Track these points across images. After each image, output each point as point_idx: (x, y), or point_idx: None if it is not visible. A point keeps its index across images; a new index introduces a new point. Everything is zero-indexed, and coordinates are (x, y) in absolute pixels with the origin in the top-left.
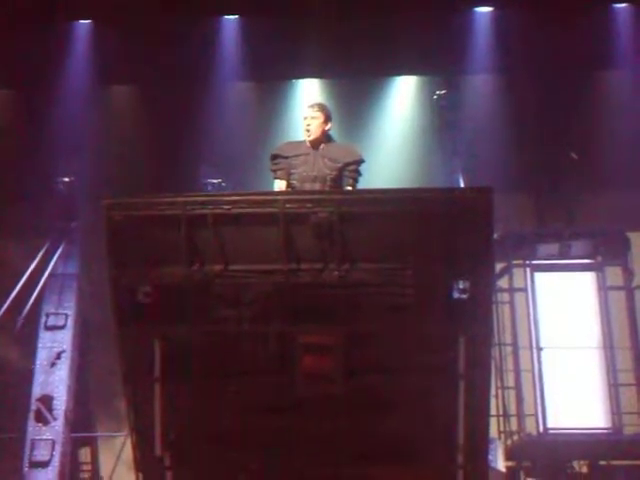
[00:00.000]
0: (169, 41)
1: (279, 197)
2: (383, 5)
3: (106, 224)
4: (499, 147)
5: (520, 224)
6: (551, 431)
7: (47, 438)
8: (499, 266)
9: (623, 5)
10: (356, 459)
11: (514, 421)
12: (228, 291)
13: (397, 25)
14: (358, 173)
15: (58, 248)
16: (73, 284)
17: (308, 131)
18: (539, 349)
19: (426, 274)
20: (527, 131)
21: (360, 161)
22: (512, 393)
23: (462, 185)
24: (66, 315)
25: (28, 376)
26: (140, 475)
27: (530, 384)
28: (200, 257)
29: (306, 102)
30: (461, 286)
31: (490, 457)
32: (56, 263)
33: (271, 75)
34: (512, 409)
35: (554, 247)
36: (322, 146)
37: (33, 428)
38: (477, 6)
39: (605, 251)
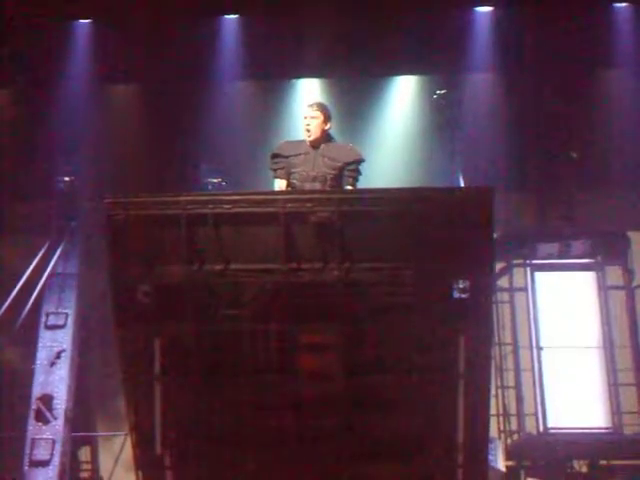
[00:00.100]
0: (169, 40)
1: (279, 196)
2: (383, 4)
3: (107, 223)
4: (499, 146)
5: (520, 224)
6: (551, 430)
7: (47, 437)
8: (499, 266)
9: (623, 5)
10: (356, 458)
11: (514, 420)
12: (228, 290)
13: (397, 24)
14: (358, 172)
15: (58, 247)
16: (73, 283)
17: (308, 131)
18: (539, 348)
19: (426, 274)
20: (527, 130)
21: (360, 160)
22: (512, 392)
23: (462, 185)
24: (66, 314)
25: (28, 375)
26: (140, 474)
27: (530, 383)
28: (200, 256)
29: (306, 101)
30: (461, 285)
31: (490, 456)
32: (56, 262)
33: (271, 74)
34: (512, 408)
35: (554, 247)
36: (322, 146)
37: (33, 427)
38: (477, 5)
39: (605, 251)
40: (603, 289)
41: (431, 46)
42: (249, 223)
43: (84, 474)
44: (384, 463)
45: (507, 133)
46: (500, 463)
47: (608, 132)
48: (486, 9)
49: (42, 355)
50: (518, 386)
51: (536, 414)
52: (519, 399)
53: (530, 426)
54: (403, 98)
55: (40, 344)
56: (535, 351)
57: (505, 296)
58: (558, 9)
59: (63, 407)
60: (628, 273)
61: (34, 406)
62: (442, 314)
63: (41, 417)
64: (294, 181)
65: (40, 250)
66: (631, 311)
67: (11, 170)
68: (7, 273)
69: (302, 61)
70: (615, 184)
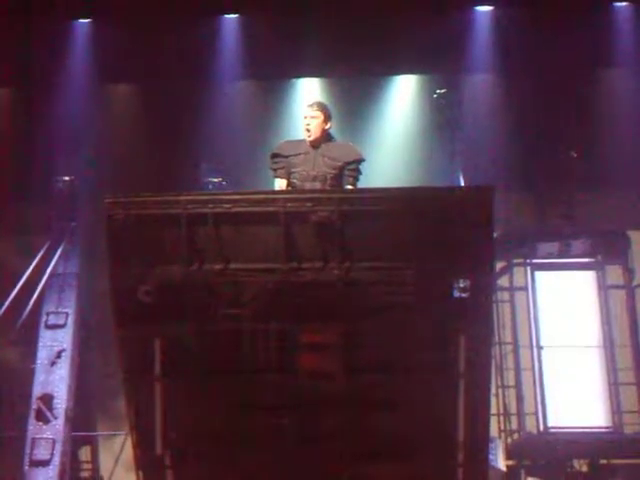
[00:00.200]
0: (169, 40)
1: (279, 196)
2: (383, 4)
3: (107, 223)
4: (499, 146)
5: (520, 223)
6: (551, 430)
7: (47, 437)
8: (499, 265)
9: (624, 4)
10: (356, 457)
11: (514, 420)
12: (228, 290)
13: (397, 24)
14: (358, 172)
15: (58, 247)
16: (73, 283)
17: (308, 131)
18: (539, 348)
19: (426, 273)
20: (527, 130)
21: (360, 160)
22: (512, 392)
23: (462, 184)
24: (66, 314)
25: (28, 375)
26: (140, 474)
27: (530, 383)
28: (200, 256)
29: (306, 101)
30: (461, 285)
31: (490, 456)
32: (56, 262)
33: (271, 74)
34: (512, 408)
35: (554, 246)
36: (322, 145)
37: (33, 427)
38: (477, 5)
39: (605, 250)
40: (603, 288)
41: (431, 45)
42: (249, 222)
43: (84, 474)
44: (384, 463)
45: (507, 132)
46: (500, 462)
47: (608, 132)
48: (486, 8)
49: (42, 355)
50: (518, 385)
51: (536, 413)
52: (519, 398)
53: (530, 425)
54: (403, 98)
55: (40, 343)
56: (535, 350)
57: (505, 295)
58: (558, 8)
59: (63, 407)
60: (628, 272)
61: (34, 406)
62: (442, 313)
63: (41, 417)
64: (294, 181)
65: (40, 250)
66: (631, 310)
67: (11, 169)
68: (7, 273)
69: (302, 61)
70: (615, 184)
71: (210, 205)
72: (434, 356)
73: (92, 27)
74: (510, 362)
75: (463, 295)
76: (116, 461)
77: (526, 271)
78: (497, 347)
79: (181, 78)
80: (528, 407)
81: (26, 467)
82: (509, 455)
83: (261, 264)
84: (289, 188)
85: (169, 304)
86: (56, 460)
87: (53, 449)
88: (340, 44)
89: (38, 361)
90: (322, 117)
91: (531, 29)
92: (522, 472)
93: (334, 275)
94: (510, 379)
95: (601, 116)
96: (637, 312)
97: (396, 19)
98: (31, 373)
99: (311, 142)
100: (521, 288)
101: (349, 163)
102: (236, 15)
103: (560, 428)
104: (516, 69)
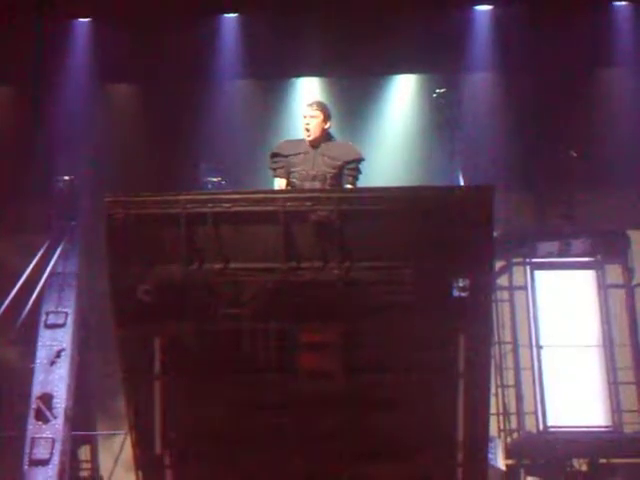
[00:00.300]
0: (169, 39)
1: (279, 195)
2: (383, 3)
3: (106, 222)
4: (499, 145)
5: (520, 222)
6: (551, 429)
7: (47, 436)
8: (499, 264)
9: (623, 3)
10: (356, 457)
11: (514, 419)
12: (228, 289)
13: (397, 23)
14: (358, 171)
15: (58, 246)
16: (73, 282)
17: (308, 130)
18: (539, 347)
19: (426, 272)
20: (527, 129)
21: (360, 159)
22: (512, 391)
23: (462, 183)
24: (66, 313)
25: (28, 374)
26: (140, 473)
27: (530, 382)
28: (200, 255)
29: (306, 100)
30: (461, 284)
31: (490, 455)
32: (56, 262)
33: (271, 73)
34: (512, 407)
35: (554, 245)
36: (322, 145)
37: (33, 426)
38: (477, 4)
39: (605, 249)
40: (603, 288)
41: (431, 45)
42: (249, 222)
43: (84, 473)
44: (384, 462)
45: (507, 132)
46: (500, 462)
47: (608, 131)
48: (486, 8)
49: (42, 354)
50: (518, 385)
51: (536, 413)
52: (519, 398)
53: (530, 425)
54: (403, 97)
55: (40, 343)
56: (535, 350)
57: (505, 295)
58: (558, 7)
59: (63, 406)
60: (628, 272)
61: (34, 405)
62: (442, 313)
63: (41, 416)
64: (294, 180)
65: (40, 249)
66: (631, 309)
67: (11, 168)
68: (7, 272)
69: (302, 60)
70: (615, 183)
71: (209, 204)
72: (434, 356)
73: (92, 27)
74: (510, 361)
75: (463, 294)
76: (115, 461)
77: (526, 270)
78: (497, 346)
79: (181, 77)
80: (528, 406)
81: (25, 466)
82: (509, 454)
83: (261, 263)
84: (289, 187)
85: (169, 303)
86: (55, 459)
87: (52, 448)
88: (340, 43)
89: (37, 360)
90: (321, 117)
91: (530, 28)
92: (522, 471)
93: (334, 275)
94: (510, 378)
95: (601, 116)
96: (637, 311)
97: (396, 18)
98: (30, 372)
99: (311, 142)
100: (521, 287)
101: (349, 162)
102: (236, 14)
103: (560, 427)
104: (516, 68)
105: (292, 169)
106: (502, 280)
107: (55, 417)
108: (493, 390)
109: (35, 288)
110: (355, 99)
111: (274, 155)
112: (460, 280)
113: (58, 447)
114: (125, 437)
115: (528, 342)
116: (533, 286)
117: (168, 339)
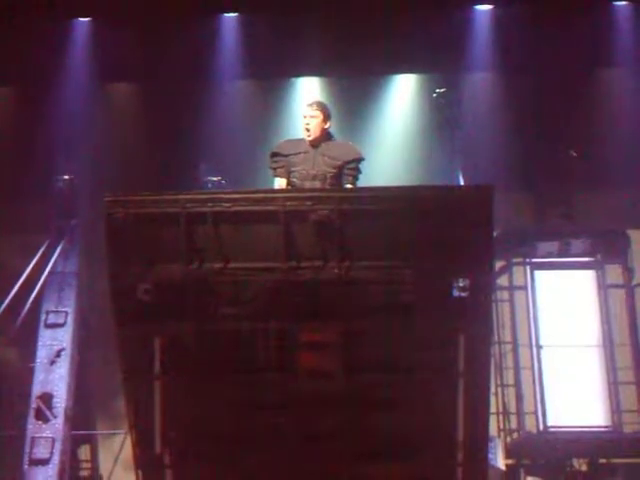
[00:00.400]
0: (169, 39)
1: (279, 195)
2: (383, 3)
3: (106, 221)
4: (499, 145)
5: (520, 222)
6: (551, 429)
7: (47, 436)
8: (499, 264)
9: (623, 3)
10: (356, 456)
11: (514, 419)
12: (228, 289)
13: (397, 23)
14: (358, 171)
15: (58, 246)
16: (73, 282)
17: (308, 130)
18: (539, 347)
19: (426, 272)
20: (527, 129)
21: (360, 159)
22: (512, 391)
23: (462, 183)
24: (66, 313)
25: (28, 374)
26: (140, 473)
27: (530, 382)
28: (200, 255)
29: (306, 100)
30: (461, 284)
31: (490, 455)
32: (56, 261)
33: (271, 73)
34: (512, 407)
35: (554, 245)
36: (322, 144)
37: (33, 426)
38: (477, 4)
39: (605, 249)
40: (603, 287)
41: (431, 44)
42: (249, 221)
43: (84, 473)
44: (384, 462)
45: (507, 132)
46: (500, 461)
47: (608, 131)
48: (486, 7)
49: (42, 354)
50: (518, 384)
51: (536, 412)
52: (519, 397)
53: (530, 424)
54: (403, 97)
55: (40, 342)
56: (535, 349)
57: (505, 294)
58: (558, 7)
59: (63, 406)
60: (628, 271)
61: (34, 405)
62: (442, 313)
63: (41, 416)
64: (294, 180)
65: (40, 248)
66: (631, 309)
67: (11, 168)
68: (7, 272)
69: (302, 60)
70: (615, 183)
71: (209, 204)
72: (434, 356)
73: (92, 26)
74: (509, 361)
75: (462, 294)
76: (115, 460)
77: (526, 270)
78: (496, 346)
79: (181, 77)
80: (527, 406)
81: (25, 466)
82: (508, 454)
83: (261, 263)
84: (289, 187)
85: (169, 303)
86: (55, 459)
87: (52, 448)
88: (340, 43)
89: (38, 360)
90: (321, 116)
91: (531, 28)
92: (521, 471)
93: (334, 274)
94: (509, 378)
95: (601, 116)
96: (636, 311)
97: (395, 18)
98: (30, 372)
99: (311, 141)
100: (521, 287)
101: (349, 162)
102: (236, 14)
103: (559, 427)
104: (516, 68)
105: (292, 169)
106: (502, 280)
107: (55, 417)
108: (493, 390)
109: (35, 287)
110: (355, 99)
111: (274, 155)
112: (460, 280)
113: (58, 446)
114: (125, 437)
115: (528, 342)
116: (533, 286)
117: (168, 339)
